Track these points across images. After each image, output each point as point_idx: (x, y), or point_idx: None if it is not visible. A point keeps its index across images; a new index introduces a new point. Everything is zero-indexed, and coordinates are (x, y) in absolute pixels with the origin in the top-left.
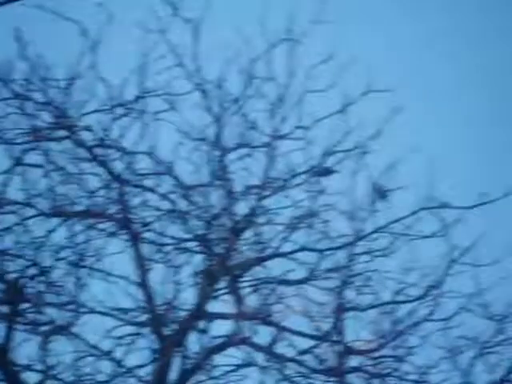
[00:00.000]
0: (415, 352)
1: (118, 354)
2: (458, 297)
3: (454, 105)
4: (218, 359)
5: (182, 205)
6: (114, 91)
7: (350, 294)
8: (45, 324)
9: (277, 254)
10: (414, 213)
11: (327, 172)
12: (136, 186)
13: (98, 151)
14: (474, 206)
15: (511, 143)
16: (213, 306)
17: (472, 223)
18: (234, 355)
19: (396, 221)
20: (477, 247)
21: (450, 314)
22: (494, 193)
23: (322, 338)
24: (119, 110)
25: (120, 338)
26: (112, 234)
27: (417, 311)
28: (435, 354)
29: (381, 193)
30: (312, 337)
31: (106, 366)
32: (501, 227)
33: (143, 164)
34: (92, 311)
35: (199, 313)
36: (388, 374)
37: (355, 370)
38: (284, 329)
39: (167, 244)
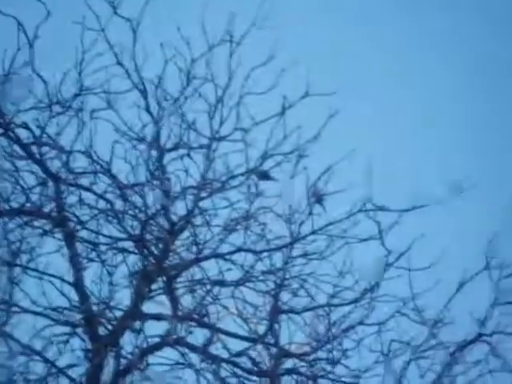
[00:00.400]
0: (349, 355)
1: (51, 353)
2: (393, 301)
3: (391, 108)
4: (153, 360)
5: (119, 204)
6: (51, 88)
7: (285, 296)
8: None
9: (213, 255)
10: (350, 215)
11: (265, 176)
12: (72, 185)
13: (34, 149)
14: (410, 210)
15: (448, 146)
16: (148, 307)
17: (408, 227)
18: (168, 356)
19: (332, 223)
20: (412, 251)
21: (385, 318)
22: (430, 196)
23: (256, 340)
24: (56, 108)
25: (53, 337)
26: (47, 233)
27: (352, 314)
28: (369, 358)
29: (318, 196)
30: (247, 339)
31: (39, 366)
32: (436, 230)
33: (80, 162)
34: (25, 310)
35: (134, 313)
36: (322, 377)
37: (290, 372)
38: (219, 330)
39: (103, 243)
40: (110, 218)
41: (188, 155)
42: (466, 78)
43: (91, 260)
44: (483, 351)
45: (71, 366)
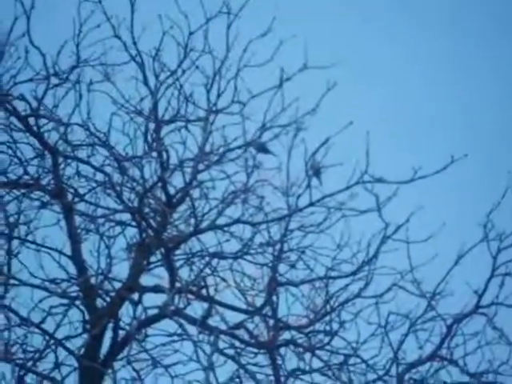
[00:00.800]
0: (347, 327)
1: (49, 326)
2: (391, 273)
3: (389, 80)
4: (151, 331)
5: (116, 177)
6: (48, 60)
7: (283, 268)
8: None
9: (211, 228)
10: (348, 188)
11: (263, 149)
12: (70, 157)
13: (32, 121)
14: (409, 181)
15: (445, 118)
16: (146, 279)
17: (406, 199)
18: (167, 328)
19: (330, 196)
20: (410, 223)
21: (383, 291)
22: (428, 168)
23: (254, 312)
24: (53, 80)
25: (51, 309)
26: (45, 205)
27: (349, 287)
28: (367, 330)
29: (315, 169)
30: (245, 311)
31: (37, 338)
32: (435, 203)
33: (77, 135)
34: (23, 283)
35: (132, 285)
36: (320, 349)
37: (287, 343)
38: (217, 302)
39: (100, 216)
40: (107, 191)
41: (185, 128)
42: (466, 47)
43: (89, 232)
44: (481, 323)
45: (69, 337)
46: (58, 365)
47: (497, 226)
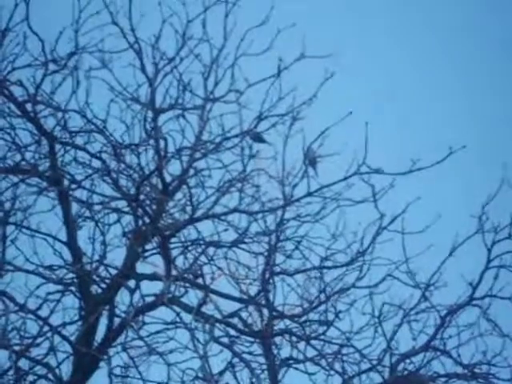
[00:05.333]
0: (341, 317)
1: (44, 312)
2: (386, 264)
3: (388, 70)
4: (147, 319)
5: (113, 164)
6: (46, 46)
7: (278, 258)
8: None
9: (208, 216)
10: (345, 178)
11: (259, 139)
12: (67, 144)
13: (29, 107)
14: (407, 173)
15: (443, 110)
16: (142, 267)
17: (403, 190)
18: (162, 315)
19: (327, 186)
20: (406, 214)
21: (377, 281)
22: (426, 160)
23: (249, 301)
24: (51, 66)
25: (47, 296)
26: (41, 191)
27: (344, 277)
28: (361, 320)
29: (312, 159)
30: (240, 300)
31: (31, 324)
32: (431, 194)
33: (75, 121)
34: (18, 269)
35: (128, 272)
36: (314, 338)
37: (282, 332)
38: (212, 291)
39: (97, 203)
40: (104, 178)
41: (183, 116)
42: (461, 38)
43: (85, 219)
44: (475, 315)
45: (65, 324)
46: (53, 351)
47: (492, 219)
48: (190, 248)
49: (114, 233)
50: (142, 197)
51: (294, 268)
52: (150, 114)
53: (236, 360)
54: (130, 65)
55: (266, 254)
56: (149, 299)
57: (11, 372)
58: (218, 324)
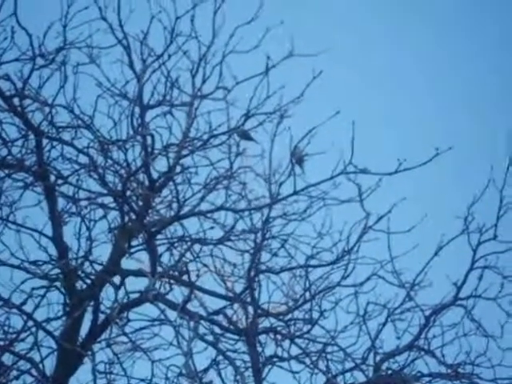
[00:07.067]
0: (326, 315)
1: (29, 307)
2: (371, 263)
3: (376, 70)
4: (131, 315)
5: (100, 160)
6: (34, 41)
7: (264, 256)
8: None
9: (194, 213)
10: (332, 177)
11: (246, 136)
12: (53, 139)
13: (16, 101)
14: (393, 173)
15: (432, 110)
16: (128, 263)
17: (389, 189)
18: (146, 312)
19: (313, 185)
20: (392, 214)
21: (362, 280)
22: (412, 160)
23: (234, 298)
24: (39, 61)
25: (32, 291)
26: (28, 186)
27: (329, 276)
28: (345, 319)
29: (298, 158)
30: (225, 297)
31: (15, 319)
32: (416, 194)
33: (62, 117)
34: (3, 263)
35: (113, 268)
36: (298, 336)
37: (267, 331)
38: (198, 288)
39: (83, 199)
40: (90, 174)
41: (170, 113)
42: (453, 38)
43: (71, 215)
44: (459, 315)
45: (49, 319)
46: (37, 346)
47: (477, 219)
48: (175, 245)
49: (100, 228)
50: (128, 193)
51: (279, 266)
52: (137, 110)
53: (220, 357)
54: (118, 60)
55: (251, 251)
56: (134, 295)
57: None
58: (202, 321)
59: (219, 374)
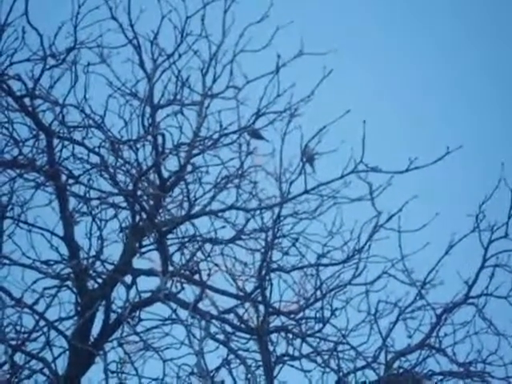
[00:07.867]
0: (337, 314)
1: (41, 306)
2: (382, 262)
3: (386, 68)
4: (143, 315)
5: (111, 159)
6: (45, 41)
7: (275, 254)
8: None
9: (205, 213)
10: (342, 176)
11: (256, 135)
12: (65, 139)
13: (27, 101)
14: (404, 172)
15: (443, 109)
16: (139, 262)
17: (400, 188)
18: (158, 311)
19: (324, 184)
20: (403, 212)
21: (373, 279)
22: (423, 158)
23: (245, 297)
24: (50, 61)
25: (44, 291)
26: (38, 186)
27: (340, 274)
28: (357, 317)
29: (309, 156)
30: (236, 296)
31: (27, 319)
32: (428, 192)
33: (73, 116)
34: (15, 263)
35: (125, 268)
36: (310, 335)
37: (278, 329)
38: (209, 287)
39: (94, 198)
40: (101, 173)
41: (181, 112)
42: (461, 37)
43: (82, 214)
44: (470, 313)
45: (61, 319)
46: (49, 346)
47: (488, 217)
48: (186, 244)
49: (111, 228)
50: (139, 192)
51: (290, 265)
52: (148, 109)
53: (232, 356)
54: (128, 60)
55: (262, 250)
56: (145, 295)
57: (7, 366)
58: (214, 320)
59: (230, 373)
